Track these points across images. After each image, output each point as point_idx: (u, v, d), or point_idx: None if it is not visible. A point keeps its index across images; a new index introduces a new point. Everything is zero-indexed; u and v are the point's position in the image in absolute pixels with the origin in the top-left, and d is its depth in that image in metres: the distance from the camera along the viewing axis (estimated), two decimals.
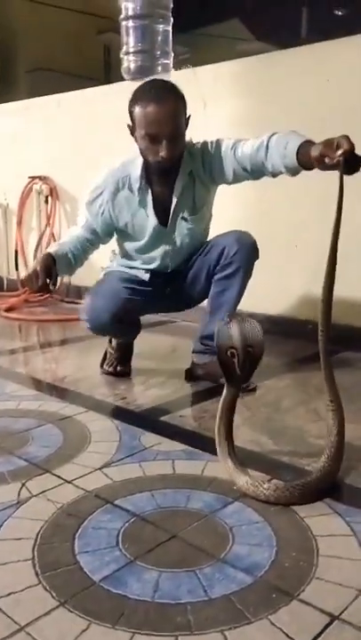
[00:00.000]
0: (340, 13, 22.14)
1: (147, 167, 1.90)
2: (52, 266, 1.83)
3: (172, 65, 3.22)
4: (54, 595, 0.95)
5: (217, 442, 1.39)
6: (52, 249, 1.91)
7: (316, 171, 2.62)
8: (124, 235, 2.02)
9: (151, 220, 1.96)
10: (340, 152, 1.44)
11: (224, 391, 1.41)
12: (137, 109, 1.79)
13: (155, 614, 0.92)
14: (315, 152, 1.53)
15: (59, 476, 1.35)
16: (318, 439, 1.59)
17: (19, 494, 1.27)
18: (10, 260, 4.09)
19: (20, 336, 3.01)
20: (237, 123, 2.77)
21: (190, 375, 2.10)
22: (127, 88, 3.16)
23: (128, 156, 1.97)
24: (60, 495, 1.27)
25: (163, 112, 1.76)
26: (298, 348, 2.50)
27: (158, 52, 3.16)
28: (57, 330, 3.11)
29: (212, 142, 1.93)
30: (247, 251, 1.92)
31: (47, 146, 3.77)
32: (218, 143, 1.90)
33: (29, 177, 3.84)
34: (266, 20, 18.75)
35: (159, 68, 3.16)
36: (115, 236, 2.06)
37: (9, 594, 0.96)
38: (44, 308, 3.55)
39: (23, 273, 3.95)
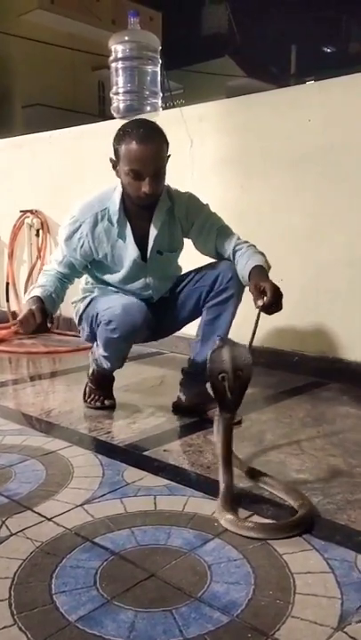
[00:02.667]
0: (328, 50, 22.83)
1: (125, 200, 1.96)
2: (43, 306, 1.87)
3: (160, 104, 3.31)
4: (29, 635, 0.95)
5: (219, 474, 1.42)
6: (37, 292, 1.94)
7: (301, 206, 2.69)
8: (101, 266, 2.05)
9: (131, 252, 2.00)
10: (259, 302, 1.73)
11: (220, 423, 1.45)
12: (123, 146, 1.86)
13: None
14: (249, 286, 1.83)
15: (39, 514, 1.35)
16: (300, 473, 1.60)
17: None
18: (1, 292, 4.12)
19: (9, 369, 3.01)
20: (222, 160, 2.85)
21: (179, 408, 2.11)
22: (117, 126, 3.25)
23: (103, 188, 2.02)
24: (39, 533, 1.27)
25: (148, 151, 1.83)
26: (283, 380, 2.52)
27: (147, 93, 3.24)
28: (46, 362, 3.11)
29: (201, 205, 2.04)
30: (239, 278, 1.98)
31: (38, 181, 3.84)
32: (208, 214, 2.03)
33: (21, 211, 3.90)
34: (255, 57, 19.31)
35: (148, 108, 3.24)
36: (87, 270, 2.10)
37: None
38: (34, 340, 3.55)
39: (14, 306, 3.99)
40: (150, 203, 1.94)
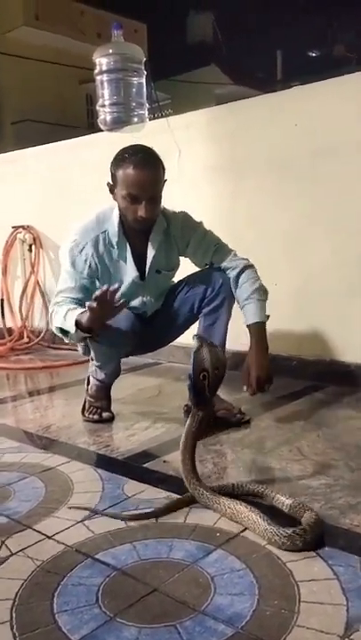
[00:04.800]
0: (313, 54, 22.98)
1: (123, 222, 1.99)
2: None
3: (147, 115, 3.32)
4: None
5: (182, 472, 1.44)
6: (75, 312, 1.89)
7: (291, 210, 2.69)
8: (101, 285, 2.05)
9: (130, 272, 2.04)
10: (246, 390, 1.97)
11: (189, 419, 1.47)
12: (121, 170, 1.89)
13: None
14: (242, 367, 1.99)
15: (39, 532, 1.34)
16: (302, 479, 1.59)
17: None
18: None
19: (7, 385, 2.99)
20: (211, 168, 2.86)
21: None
22: (104, 139, 3.27)
23: (99, 210, 2.05)
24: (40, 552, 1.25)
25: (145, 175, 1.88)
26: (281, 386, 2.49)
27: (133, 104, 3.26)
28: (44, 377, 3.10)
29: (196, 224, 2.09)
30: (229, 284, 2.03)
31: (29, 196, 3.84)
32: (203, 232, 2.08)
33: (13, 227, 3.90)
34: (241, 64, 19.41)
35: (135, 119, 3.25)
36: None
37: None
38: (31, 356, 3.55)
39: (10, 322, 3.97)
40: (147, 225, 1.97)
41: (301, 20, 20.61)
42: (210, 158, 2.86)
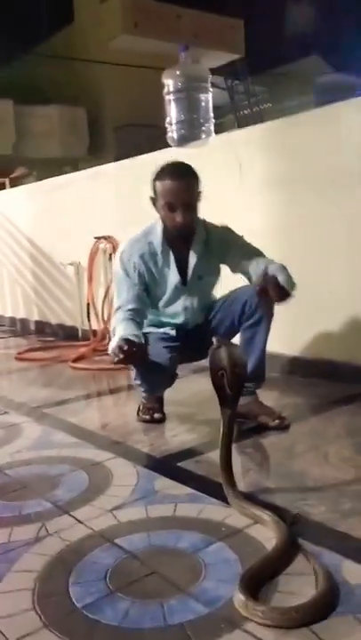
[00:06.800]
0: None
1: (166, 233, 2.20)
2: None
3: (213, 129, 3.48)
4: (42, 618, 1.17)
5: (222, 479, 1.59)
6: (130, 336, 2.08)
7: (350, 222, 2.72)
8: (148, 292, 2.28)
9: (173, 278, 2.25)
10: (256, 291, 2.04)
11: (222, 418, 1.63)
12: (159, 183, 2.14)
13: (118, 637, 1.10)
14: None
15: (74, 517, 1.57)
16: (318, 482, 1.70)
17: (37, 533, 1.50)
18: (83, 313, 4.48)
19: (83, 385, 3.28)
20: (270, 181, 2.96)
21: None
22: (173, 155, 3.47)
23: (144, 227, 2.29)
24: (71, 534, 1.48)
25: (179, 185, 2.11)
26: (330, 391, 2.58)
27: (201, 120, 3.44)
28: (119, 378, 3.34)
29: (236, 236, 2.26)
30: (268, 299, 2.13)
31: (109, 208, 4.15)
32: (242, 243, 2.26)
33: (95, 237, 4.23)
34: (344, 51, 18.77)
35: (203, 135, 3.43)
36: None
37: (7, 616, 1.18)
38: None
39: (95, 324, 4.32)
40: (186, 232, 2.19)
41: None
42: (269, 171, 2.96)
